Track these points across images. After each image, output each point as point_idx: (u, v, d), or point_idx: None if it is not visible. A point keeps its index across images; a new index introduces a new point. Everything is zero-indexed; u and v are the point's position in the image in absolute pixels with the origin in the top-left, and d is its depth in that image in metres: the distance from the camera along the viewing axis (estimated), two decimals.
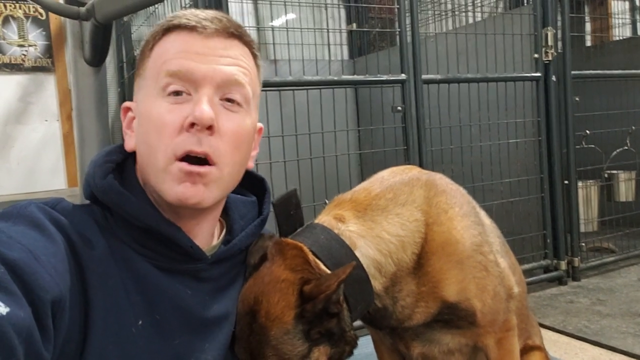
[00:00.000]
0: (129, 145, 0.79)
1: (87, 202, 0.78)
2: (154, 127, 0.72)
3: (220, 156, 0.73)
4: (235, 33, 0.76)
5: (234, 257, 0.84)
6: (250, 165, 0.84)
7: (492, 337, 0.94)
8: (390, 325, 0.91)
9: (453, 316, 0.90)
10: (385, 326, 0.92)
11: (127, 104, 0.81)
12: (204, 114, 0.70)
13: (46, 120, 3.33)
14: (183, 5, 2.46)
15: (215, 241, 0.85)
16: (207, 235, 0.83)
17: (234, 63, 0.75)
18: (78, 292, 0.65)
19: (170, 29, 0.75)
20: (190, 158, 0.72)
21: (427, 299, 0.89)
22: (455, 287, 0.89)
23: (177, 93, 0.72)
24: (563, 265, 2.85)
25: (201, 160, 0.72)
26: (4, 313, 0.51)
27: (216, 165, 0.73)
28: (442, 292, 0.89)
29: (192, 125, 0.70)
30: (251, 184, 0.93)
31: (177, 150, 0.71)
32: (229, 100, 0.75)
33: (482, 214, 1.02)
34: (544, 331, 1.34)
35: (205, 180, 0.72)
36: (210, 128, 0.71)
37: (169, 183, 0.72)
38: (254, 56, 0.80)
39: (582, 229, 3.11)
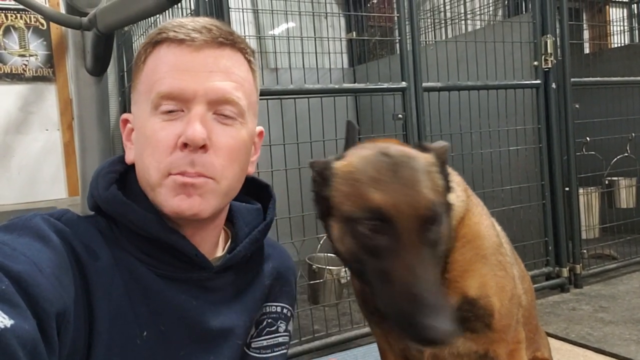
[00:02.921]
0: (129, 158, 0.79)
1: (91, 212, 0.78)
2: (148, 144, 0.73)
3: (216, 171, 0.73)
4: (226, 41, 0.75)
5: (238, 265, 0.83)
6: (251, 170, 0.84)
7: (504, 347, 0.94)
8: None
9: (471, 314, 0.90)
10: None
11: (125, 115, 0.81)
12: (196, 134, 0.69)
13: (47, 130, 3.33)
14: (184, 15, 2.47)
15: (221, 251, 0.85)
16: (211, 245, 0.82)
17: (226, 78, 0.74)
18: (83, 304, 0.65)
19: (160, 41, 0.74)
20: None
21: (448, 287, 0.89)
22: (477, 280, 0.90)
23: (169, 110, 0.72)
24: (565, 272, 2.84)
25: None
26: (9, 325, 0.51)
27: (212, 179, 0.73)
28: (465, 283, 0.89)
29: (186, 145, 0.70)
30: (256, 191, 0.93)
31: (171, 169, 0.71)
32: (223, 114, 0.74)
33: (493, 220, 1.04)
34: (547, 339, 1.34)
35: (200, 191, 0.72)
36: (203, 147, 0.71)
37: (165, 195, 0.72)
38: (248, 61, 0.79)
39: (584, 235, 3.10)
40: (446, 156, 0.83)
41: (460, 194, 0.92)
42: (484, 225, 0.94)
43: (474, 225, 0.93)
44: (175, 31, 0.73)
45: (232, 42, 0.76)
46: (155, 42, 0.75)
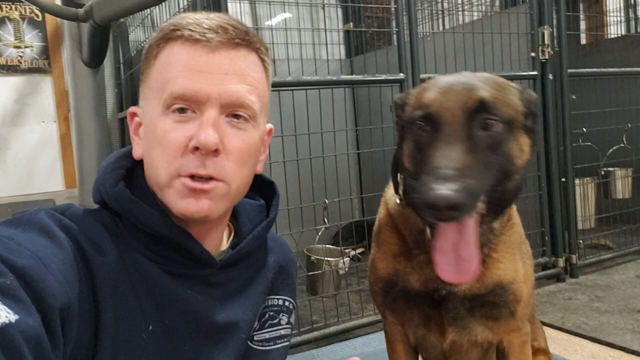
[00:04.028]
0: (137, 154, 0.78)
1: (95, 206, 0.78)
2: (157, 144, 0.72)
3: (227, 174, 0.73)
4: (242, 42, 0.74)
5: (242, 260, 0.84)
6: (259, 169, 0.84)
7: (518, 337, 0.97)
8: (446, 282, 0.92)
9: (501, 299, 0.91)
10: (444, 284, 0.93)
11: (133, 109, 0.80)
12: (209, 139, 0.68)
13: (43, 122, 3.31)
14: (182, 6, 2.45)
15: (224, 245, 0.85)
16: (216, 240, 0.83)
17: (240, 81, 0.73)
18: (88, 299, 0.65)
19: (174, 38, 0.72)
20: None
21: (488, 267, 0.91)
22: (514, 265, 0.92)
23: (181, 110, 0.71)
24: (561, 262, 2.86)
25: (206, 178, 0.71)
26: (13, 320, 0.51)
27: (223, 182, 0.73)
28: (506, 265, 0.91)
29: (197, 148, 0.69)
30: (260, 187, 0.93)
31: (181, 170, 0.70)
32: (236, 115, 0.73)
33: None
34: (544, 328, 1.35)
35: (210, 195, 0.72)
36: (215, 151, 0.70)
37: (173, 197, 0.72)
38: (262, 60, 0.78)
39: (580, 226, 3.12)
40: (532, 98, 0.86)
41: None
42: (517, 215, 0.99)
43: (515, 210, 0.97)
44: (190, 29, 0.71)
45: (247, 42, 0.75)
46: (169, 38, 0.73)
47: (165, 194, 0.73)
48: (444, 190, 0.66)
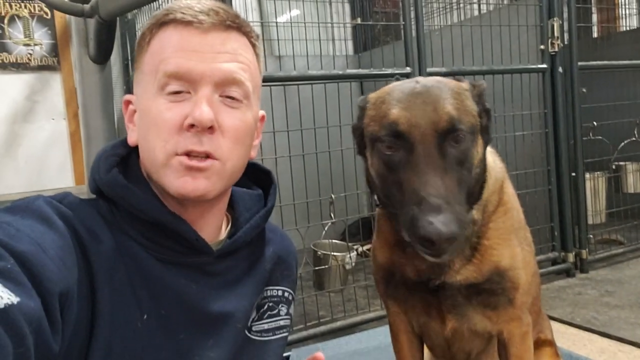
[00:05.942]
0: (131, 140, 0.79)
1: (94, 196, 0.79)
2: (153, 125, 0.72)
3: (223, 152, 0.73)
4: (233, 25, 0.75)
5: (239, 250, 0.84)
6: (253, 154, 0.84)
7: (519, 327, 0.95)
8: (441, 271, 0.91)
9: (499, 287, 0.90)
10: (437, 275, 0.92)
11: (127, 97, 0.81)
12: (204, 115, 0.69)
13: (53, 119, 3.35)
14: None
15: (222, 235, 0.85)
16: (214, 229, 0.83)
17: (232, 59, 0.74)
18: (85, 286, 0.66)
19: (167, 22, 0.74)
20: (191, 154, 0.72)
21: (483, 255, 0.89)
22: (511, 251, 0.91)
23: (176, 92, 0.72)
24: (571, 257, 2.83)
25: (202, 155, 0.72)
26: (15, 302, 0.51)
27: (219, 160, 0.73)
28: (501, 251, 0.90)
29: (192, 126, 0.70)
30: (257, 176, 0.93)
31: (177, 148, 0.71)
32: (229, 96, 0.74)
33: None
34: (552, 323, 1.34)
35: (207, 173, 0.72)
36: (210, 128, 0.71)
37: (170, 177, 0.72)
38: (253, 45, 0.79)
39: (590, 220, 3.08)
40: (482, 90, 0.85)
41: (499, 162, 0.95)
42: (515, 199, 0.97)
43: (511, 195, 0.95)
44: (182, 13, 0.73)
45: (238, 25, 0.76)
46: (162, 23, 0.74)
47: (162, 175, 0.73)
48: (439, 224, 0.66)
